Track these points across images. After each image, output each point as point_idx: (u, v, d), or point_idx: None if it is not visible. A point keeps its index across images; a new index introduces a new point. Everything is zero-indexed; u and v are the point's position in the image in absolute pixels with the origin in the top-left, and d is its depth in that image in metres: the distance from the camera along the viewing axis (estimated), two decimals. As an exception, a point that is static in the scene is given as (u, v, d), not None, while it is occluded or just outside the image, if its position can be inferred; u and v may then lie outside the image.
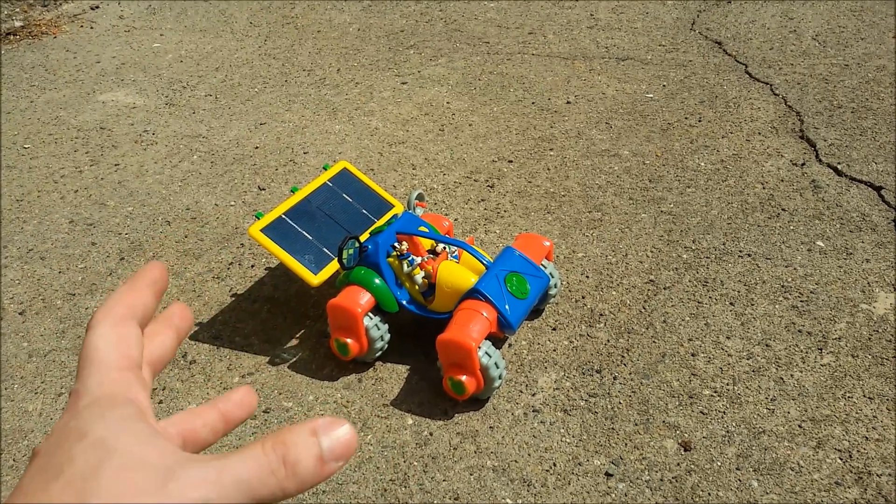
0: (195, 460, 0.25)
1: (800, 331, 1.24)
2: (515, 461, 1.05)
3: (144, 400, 0.28)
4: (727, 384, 1.15)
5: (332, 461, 0.26)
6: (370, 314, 1.17)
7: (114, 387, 0.28)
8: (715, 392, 1.14)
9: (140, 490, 0.24)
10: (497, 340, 1.24)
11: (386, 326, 1.19)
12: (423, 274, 1.20)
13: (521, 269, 1.18)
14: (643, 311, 1.30)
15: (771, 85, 1.99)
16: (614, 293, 1.34)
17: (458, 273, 1.18)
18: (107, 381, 0.28)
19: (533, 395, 1.15)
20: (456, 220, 1.55)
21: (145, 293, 0.32)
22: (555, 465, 1.04)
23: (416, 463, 1.06)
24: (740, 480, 1.01)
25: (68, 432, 0.26)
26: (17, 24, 2.74)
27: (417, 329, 1.25)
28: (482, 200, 1.61)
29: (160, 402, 1.18)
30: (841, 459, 1.03)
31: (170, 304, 0.35)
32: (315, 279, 1.21)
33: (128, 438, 0.25)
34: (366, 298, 1.16)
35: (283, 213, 1.27)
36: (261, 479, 0.25)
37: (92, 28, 2.70)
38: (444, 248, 1.24)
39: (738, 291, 1.33)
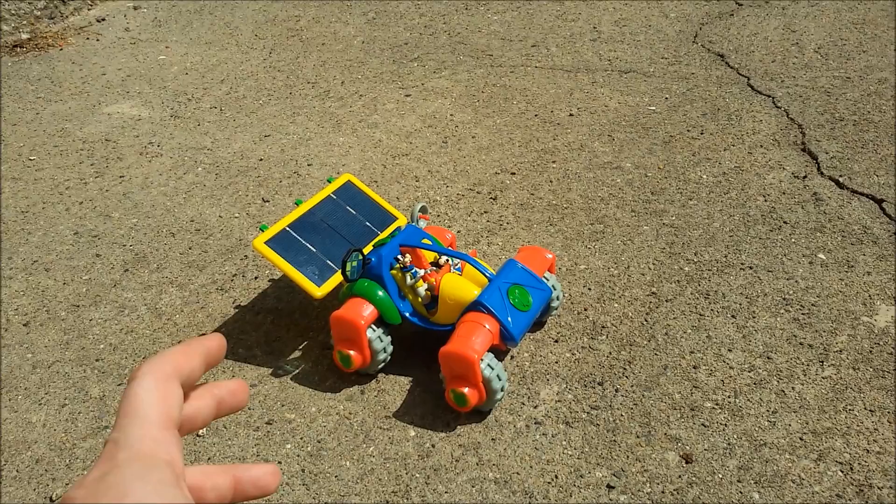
0: None
1: (801, 343, 1.24)
2: (517, 473, 1.05)
3: (180, 463, 0.29)
4: (728, 397, 1.15)
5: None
6: (373, 326, 1.17)
7: (154, 446, 0.28)
8: (716, 404, 1.14)
9: None
10: (499, 352, 1.24)
11: (389, 338, 1.20)
12: (425, 286, 1.20)
13: (523, 282, 1.19)
14: (645, 323, 1.30)
15: (773, 97, 2.00)
16: (616, 305, 1.35)
17: (460, 285, 1.19)
18: (147, 438, 0.28)
19: (535, 407, 1.16)
20: (459, 232, 1.56)
21: (195, 359, 0.32)
22: (556, 477, 1.05)
23: (418, 475, 1.06)
24: (741, 493, 1.01)
25: (107, 487, 0.26)
26: (24, 36, 2.76)
27: (420, 341, 1.26)
28: (485, 212, 1.62)
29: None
30: (842, 472, 1.03)
31: (230, 380, 0.35)
32: (318, 291, 1.22)
33: None
34: (369, 311, 1.17)
35: (287, 226, 1.28)
36: None
37: (98, 40, 2.72)
38: (447, 260, 1.25)
39: (740, 304, 1.33)
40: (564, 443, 1.09)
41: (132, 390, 0.29)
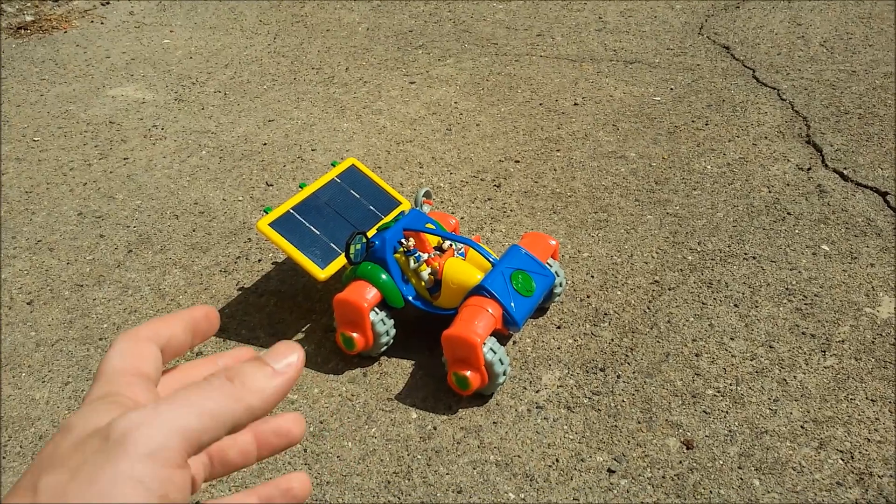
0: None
1: (803, 333, 1.24)
2: (518, 456, 1.06)
3: (144, 400, 0.28)
4: (730, 384, 1.15)
5: (282, 371, 0.28)
6: (376, 309, 1.18)
7: (113, 387, 0.28)
8: (718, 392, 1.14)
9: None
10: (502, 337, 1.24)
11: (392, 322, 1.20)
12: (429, 270, 1.20)
13: (526, 267, 1.19)
14: (648, 311, 1.31)
15: (778, 90, 2.00)
16: (619, 293, 1.35)
17: (463, 270, 1.19)
18: (107, 385, 0.28)
19: (537, 391, 1.16)
20: (462, 218, 1.56)
21: (176, 325, 0.31)
22: (557, 460, 1.05)
23: (419, 456, 1.06)
24: (742, 479, 1.01)
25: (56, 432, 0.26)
26: (29, 18, 2.75)
27: (423, 324, 1.26)
28: (488, 200, 1.62)
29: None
30: (842, 460, 1.03)
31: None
32: (322, 273, 1.22)
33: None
34: (372, 293, 1.17)
35: (292, 208, 1.28)
36: (222, 404, 0.26)
37: (102, 23, 2.72)
38: (451, 244, 1.25)
39: (743, 293, 1.33)
40: (566, 427, 1.10)
41: (105, 356, 0.29)
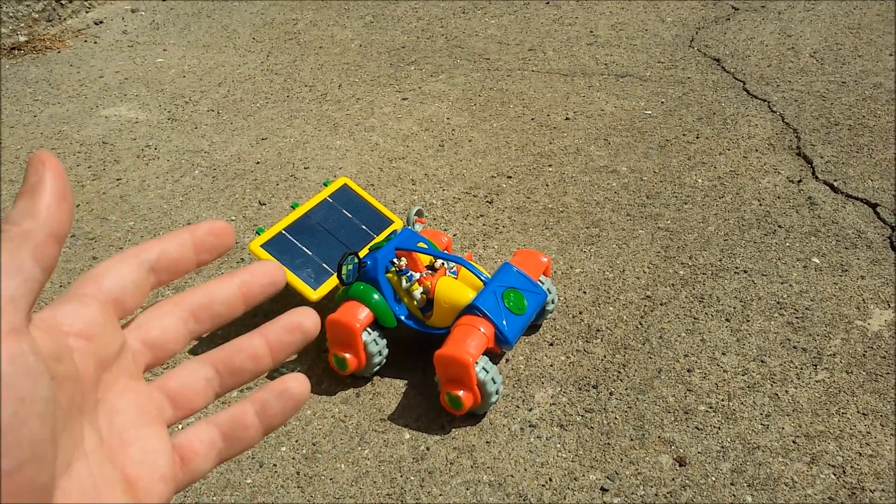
0: None
1: (795, 347, 1.25)
2: (511, 476, 1.06)
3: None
4: (722, 400, 1.16)
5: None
6: (368, 329, 1.18)
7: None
8: (710, 408, 1.15)
9: None
10: (494, 356, 1.25)
11: (384, 341, 1.20)
12: (421, 289, 1.21)
13: (518, 285, 1.19)
14: (640, 326, 1.31)
15: (769, 102, 2.01)
16: (611, 309, 1.35)
17: (455, 289, 1.19)
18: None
19: (529, 410, 1.16)
20: (455, 235, 1.57)
21: (168, 240, 0.29)
22: (550, 479, 1.05)
23: (412, 478, 1.06)
24: (734, 496, 1.02)
25: None
26: (22, 38, 2.76)
27: (415, 344, 1.26)
28: (481, 216, 1.63)
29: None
30: (835, 475, 1.03)
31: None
32: (314, 294, 1.23)
33: None
34: (364, 313, 1.18)
35: (284, 229, 1.28)
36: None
37: (95, 43, 2.73)
38: (443, 263, 1.25)
39: (734, 308, 1.34)
40: (559, 445, 1.10)
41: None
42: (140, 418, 0.27)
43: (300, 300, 1.39)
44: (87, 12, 3.03)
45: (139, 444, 0.27)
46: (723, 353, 1.24)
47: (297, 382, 0.30)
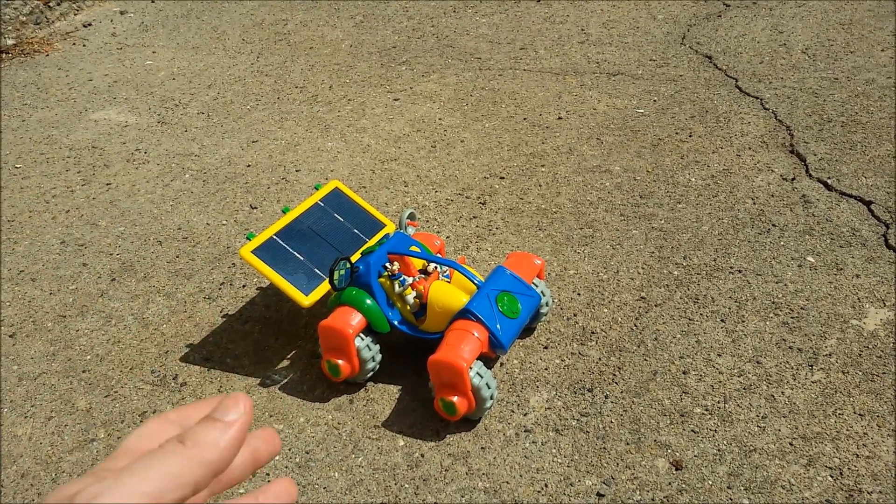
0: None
1: (790, 347, 1.24)
2: (507, 482, 1.05)
3: None
4: (718, 402, 1.15)
5: (231, 422, 0.30)
6: (361, 335, 1.17)
7: (115, 463, 0.29)
8: (706, 410, 1.14)
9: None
10: (488, 360, 1.24)
11: (377, 347, 1.19)
12: (414, 294, 1.20)
13: (512, 289, 1.18)
14: (634, 328, 1.30)
15: (761, 99, 2.00)
16: (606, 311, 1.34)
17: (449, 293, 1.18)
18: (112, 462, 0.29)
19: (525, 414, 1.15)
20: (448, 237, 1.56)
21: (207, 408, 0.32)
22: (546, 485, 1.04)
23: (407, 485, 1.05)
24: (731, 499, 1.01)
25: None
26: (10, 42, 2.74)
27: (409, 349, 1.25)
28: (474, 217, 1.62)
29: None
30: (832, 477, 1.03)
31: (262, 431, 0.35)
32: (306, 300, 1.21)
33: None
34: (357, 319, 1.16)
35: (274, 234, 1.27)
36: (179, 465, 0.28)
37: (84, 46, 2.71)
38: (436, 267, 1.24)
39: (729, 308, 1.33)
40: (554, 451, 1.09)
41: (128, 434, 0.31)
42: None
43: (293, 305, 1.38)
44: (75, 15, 3.01)
45: None
46: (718, 355, 1.23)
47: (269, 440, 0.35)
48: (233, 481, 0.33)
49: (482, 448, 1.10)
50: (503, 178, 1.75)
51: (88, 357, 1.32)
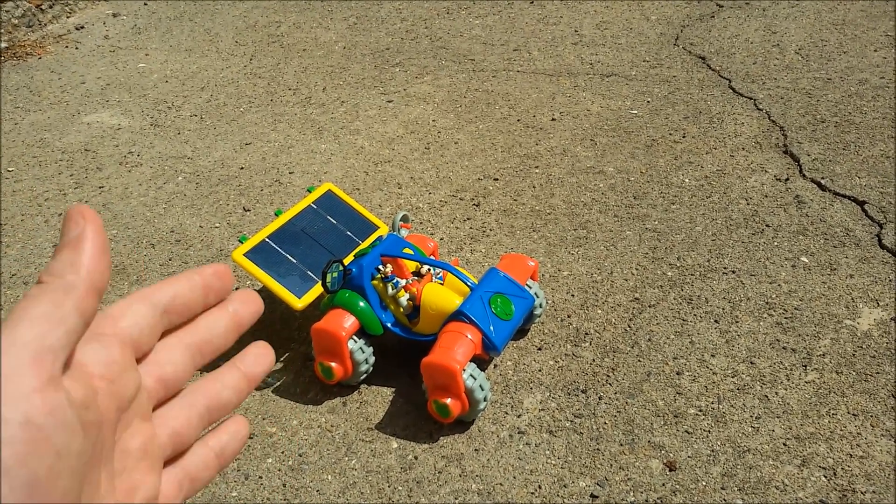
0: None
1: (784, 348, 1.24)
2: (500, 484, 1.05)
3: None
4: (712, 403, 1.15)
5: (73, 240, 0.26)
6: (354, 337, 1.17)
7: None
8: (700, 411, 1.14)
9: None
10: (482, 362, 1.23)
11: (370, 349, 1.19)
12: (407, 296, 1.19)
13: (505, 290, 1.18)
14: (628, 329, 1.30)
15: (755, 100, 2.00)
16: (599, 312, 1.34)
17: (442, 295, 1.18)
18: None
19: (518, 416, 1.15)
20: (441, 239, 1.55)
21: (181, 283, 0.30)
22: (540, 487, 1.04)
23: (400, 488, 1.05)
24: (725, 500, 1.01)
25: None
26: (2, 45, 2.73)
27: (402, 351, 1.25)
28: (468, 219, 1.61)
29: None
30: (825, 477, 1.03)
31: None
32: (299, 303, 1.21)
33: None
34: (350, 321, 1.16)
35: (267, 237, 1.27)
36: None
37: (77, 48, 2.70)
38: (429, 269, 1.24)
39: (723, 309, 1.33)
40: (548, 452, 1.09)
41: None
42: (146, 462, 0.28)
43: (285, 308, 1.38)
44: (67, 17, 3.00)
45: (144, 489, 0.28)
46: (712, 355, 1.23)
47: (240, 423, 0.33)
48: (217, 349, 0.31)
49: (476, 450, 1.10)
50: (497, 179, 1.75)
51: (81, 361, 1.31)
